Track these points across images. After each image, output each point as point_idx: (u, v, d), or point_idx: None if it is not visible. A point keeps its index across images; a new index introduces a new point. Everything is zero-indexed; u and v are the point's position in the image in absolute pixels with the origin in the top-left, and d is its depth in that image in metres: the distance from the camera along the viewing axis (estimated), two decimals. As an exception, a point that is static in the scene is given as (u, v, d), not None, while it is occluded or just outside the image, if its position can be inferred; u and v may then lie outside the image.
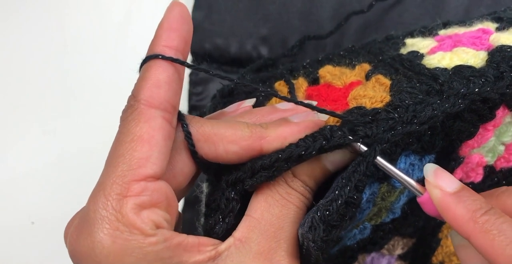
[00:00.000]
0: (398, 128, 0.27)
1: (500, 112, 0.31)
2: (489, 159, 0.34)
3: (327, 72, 0.35)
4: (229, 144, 0.28)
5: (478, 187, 0.35)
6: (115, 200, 0.24)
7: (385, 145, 0.27)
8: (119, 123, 0.27)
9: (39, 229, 0.58)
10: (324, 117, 0.29)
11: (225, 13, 0.57)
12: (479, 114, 0.30)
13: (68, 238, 0.25)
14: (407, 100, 0.29)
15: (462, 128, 0.30)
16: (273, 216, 0.28)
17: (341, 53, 0.38)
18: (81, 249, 0.24)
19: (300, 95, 0.33)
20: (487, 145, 0.33)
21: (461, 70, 0.30)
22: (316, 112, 0.29)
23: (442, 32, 0.37)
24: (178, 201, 0.30)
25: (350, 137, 0.27)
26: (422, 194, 0.27)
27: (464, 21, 0.37)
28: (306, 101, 0.30)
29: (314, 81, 0.35)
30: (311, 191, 0.29)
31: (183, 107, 0.60)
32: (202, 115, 0.35)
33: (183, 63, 0.27)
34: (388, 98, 0.29)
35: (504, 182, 0.36)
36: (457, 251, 0.29)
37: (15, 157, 0.61)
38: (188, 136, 0.27)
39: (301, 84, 0.34)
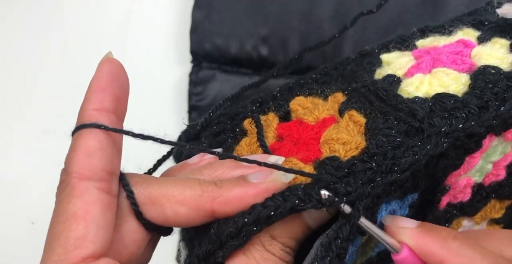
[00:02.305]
0: (378, 179, 0.25)
1: (487, 140, 0.29)
2: (477, 179, 0.32)
3: (298, 105, 0.32)
4: (177, 205, 0.25)
5: (466, 205, 0.34)
6: None
7: (365, 200, 0.25)
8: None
9: (39, 229, 0.58)
10: (287, 179, 0.26)
11: (225, 13, 0.57)
12: (464, 148, 0.28)
13: None
14: (385, 145, 0.26)
15: (447, 165, 0.28)
16: None
17: (313, 76, 0.35)
18: None
19: (271, 134, 0.31)
20: (474, 169, 0.31)
21: (442, 100, 0.28)
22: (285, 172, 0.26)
23: (420, 44, 0.34)
24: None
25: (335, 200, 0.24)
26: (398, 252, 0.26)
27: (443, 26, 0.35)
28: (272, 158, 0.27)
29: (285, 115, 0.32)
30: (292, 252, 0.26)
31: (183, 107, 0.60)
32: (201, 115, 0.35)
33: (107, 128, 0.25)
34: (363, 144, 0.27)
35: (493, 195, 0.34)
36: None
37: (15, 157, 0.61)
38: (130, 195, 0.25)
39: (271, 120, 0.32)
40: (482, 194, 0.33)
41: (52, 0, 0.63)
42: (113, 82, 0.25)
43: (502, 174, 0.33)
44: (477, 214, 0.35)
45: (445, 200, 0.32)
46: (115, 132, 0.25)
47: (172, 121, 0.60)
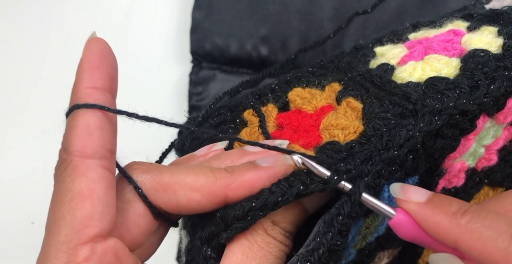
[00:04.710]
0: (375, 156, 0.26)
1: (481, 121, 0.29)
2: (470, 163, 0.33)
3: (297, 96, 0.33)
4: (191, 191, 0.25)
5: (460, 190, 0.34)
6: None
7: (367, 178, 0.25)
8: (54, 181, 0.24)
9: (39, 229, 0.58)
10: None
11: (225, 13, 0.57)
12: (460, 128, 0.28)
13: None
14: (381, 127, 0.27)
15: (444, 145, 0.28)
16: None
17: (310, 69, 0.36)
18: None
19: (271, 124, 0.32)
20: (468, 152, 0.32)
21: (434, 83, 0.29)
22: (287, 154, 0.27)
23: (412, 36, 0.35)
24: (146, 259, 0.29)
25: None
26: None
27: (434, 21, 0.36)
28: (277, 142, 0.28)
29: (284, 106, 0.33)
30: (291, 237, 0.27)
31: (183, 107, 0.60)
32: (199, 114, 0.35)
33: (104, 108, 0.24)
34: (361, 128, 0.28)
35: (486, 181, 0.35)
36: None
37: (15, 157, 0.61)
38: (130, 181, 0.25)
39: (270, 111, 0.33)
40: (475, 179, 0.34)
41: (52, 0, 0.63)
42: (104, 60, 0.25)
43: (494, 159, 0.34)
44: (471, 202, 0.36)
45: (441, 184, 0.32)
46: (119, 114, 0.25)
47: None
